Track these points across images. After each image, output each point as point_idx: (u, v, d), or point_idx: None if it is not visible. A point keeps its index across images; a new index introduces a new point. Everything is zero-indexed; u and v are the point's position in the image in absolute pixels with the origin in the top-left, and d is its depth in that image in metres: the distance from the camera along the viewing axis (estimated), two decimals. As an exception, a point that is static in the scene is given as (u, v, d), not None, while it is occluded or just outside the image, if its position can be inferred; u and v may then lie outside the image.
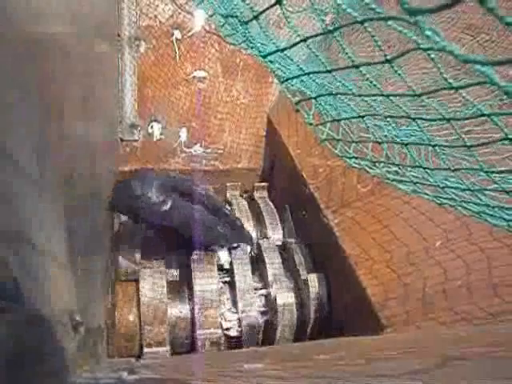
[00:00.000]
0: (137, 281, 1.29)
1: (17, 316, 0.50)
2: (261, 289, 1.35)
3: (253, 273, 1.36)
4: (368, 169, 0.60)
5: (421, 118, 0.41)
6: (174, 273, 1.39)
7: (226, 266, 1.38)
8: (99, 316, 1.00)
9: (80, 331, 0.71)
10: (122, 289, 1.30)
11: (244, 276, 1.34)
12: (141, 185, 1.28)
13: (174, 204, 1.30)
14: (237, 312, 1.30)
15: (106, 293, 1.13)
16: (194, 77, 1.68)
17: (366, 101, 0.47)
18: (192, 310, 1.28)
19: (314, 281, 1.30)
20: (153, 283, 1.28)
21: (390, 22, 0.29)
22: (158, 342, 1.22)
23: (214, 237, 1.38)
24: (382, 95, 0.40)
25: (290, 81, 0.54)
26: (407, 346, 0.75)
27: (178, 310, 1.30)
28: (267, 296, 1.34)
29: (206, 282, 1.30)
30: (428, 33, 0.26)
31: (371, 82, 0.39)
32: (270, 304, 1.32)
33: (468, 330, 0.80)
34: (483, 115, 0.33)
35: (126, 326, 1.24)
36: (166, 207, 1.29)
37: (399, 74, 0.34)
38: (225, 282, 1.37)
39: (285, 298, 1.30)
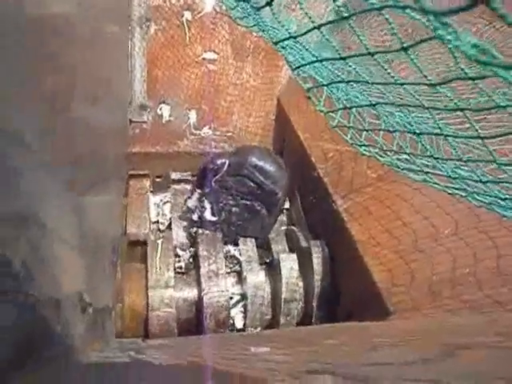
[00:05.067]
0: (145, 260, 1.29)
1: (26, 298, 0.50)
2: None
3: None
4: (378, 157, 0.60)
5: (434, 108, 0.40)
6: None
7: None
8: (107, 297, 1.01)
9: (89, 312, 0.72)
10: (130, 268, 1.31)
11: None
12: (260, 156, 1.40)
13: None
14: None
15: (115, 273, 1.14)
16: (203, 58, 1.67)
17: (379, 88, 0.46)
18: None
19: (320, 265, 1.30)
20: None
21: (407, 11, 0.28)
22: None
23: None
24: (396, 83, 0.40)
25: (302, 68, 0.54)
26: (413, 334, 0.76)
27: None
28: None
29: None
30: (440, 32, 0.25)
31: (385, 70, 0.39)
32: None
33: (475, 319, 0.80)
34: (499, 107, 0.33)
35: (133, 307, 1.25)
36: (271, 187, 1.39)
37: (415, 63, 0.34)
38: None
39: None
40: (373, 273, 1.05)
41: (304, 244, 1.37)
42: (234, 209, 1.41)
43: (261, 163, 1.38)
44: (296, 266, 1.31)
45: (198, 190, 1.43)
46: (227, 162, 1.38)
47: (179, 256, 1.37)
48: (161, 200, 1.62)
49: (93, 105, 0.91)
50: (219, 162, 1.39)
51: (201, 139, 1.77)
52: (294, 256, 1.33)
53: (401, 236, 1.08)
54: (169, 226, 1.54)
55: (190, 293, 1.29)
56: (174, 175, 1.64)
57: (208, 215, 1.42)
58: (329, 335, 0.81)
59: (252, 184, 1.38)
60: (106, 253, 1.03)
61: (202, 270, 1.28)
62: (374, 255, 1.09)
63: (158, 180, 1.72)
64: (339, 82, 0.52)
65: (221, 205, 1.41)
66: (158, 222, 1.58)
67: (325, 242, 1.34)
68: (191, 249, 1.40)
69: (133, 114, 1.65)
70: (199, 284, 1.27)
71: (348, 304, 1.23)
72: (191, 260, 1.38)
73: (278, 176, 1.39)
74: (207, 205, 1.42)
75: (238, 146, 1.63)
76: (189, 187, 1.63)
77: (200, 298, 1.26)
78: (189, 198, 1.46)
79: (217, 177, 1.39)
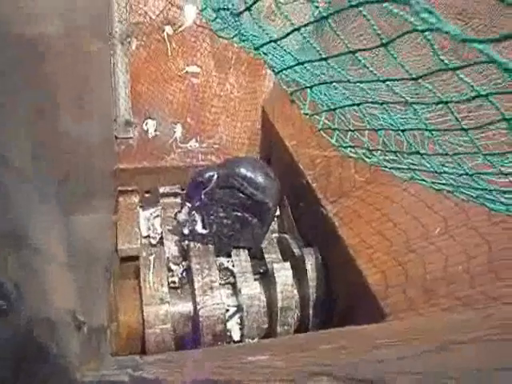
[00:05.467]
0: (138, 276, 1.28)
1: (19, 318, 0.50)
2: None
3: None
4: (365, 157, 0.60)
5: (418, 103, 0.41)
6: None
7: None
8: (102, 315, 1.00)
9: (83, 331, 0.71)
10: (123, 286, 1.30)
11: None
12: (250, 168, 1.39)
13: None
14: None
15: (108, 291, 1.13)
16: (186, 72, 1.68)
17: (362, 88, 0.47)
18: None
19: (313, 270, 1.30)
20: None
21: (385, 4, 0.28)
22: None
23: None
24: (379, 81, 0.40)
25: (284, 71, 0.54)
26: (410, 333, 0.76)
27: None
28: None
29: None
30: (424, 15, 0.26)
31: (367, 68, 0.39)
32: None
33: (470, 315, 0.81)
34: (480, 96, 0.33)
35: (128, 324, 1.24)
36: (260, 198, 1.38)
37: (395, 58, 0.34)
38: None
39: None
40: (367, 276, 1.06)
41: (297, 252, 1.37)
42: (225, 221, 1.41)
43: (250, 174, 1.37)
44: (290, 275, 1.30)
45: (188, 204, 1.43)
46: (216, 175, 1.38)
47: (172, 270, 1.37)
48: (151, 214, 1.62)
49: (78, 123, 0.91)
50: (208, 174, 1.38)
51: (188, 152, 1.77)
52: (288, 265, 1.32)
53: (392, 237, 1.08)
54: (160, 241, 1.54)
55: (186, 307, 1.28)
56: (163, 189, 1.64)
57: (199, 228, 1.41)
58: (327, 340, 0.81)
59: (242, 195, 1.38)
60: (99, 270, 1.03)
61: (196, 284, 1.27)
62: (367, 258, 1.09)
63: (146, 195, 1.71)
64: (322, 83, 0.52)
65: (211, 217, 1.41)
66: (149, 236, 1.57)
67: (317, 249, 1.34)
68: (184, 263, 1.39)
69: (118, 130, 1.65)
70: (194, 298, 1.27)
71: (344, 309, 1.23)
72: (184, 274, 1.37)
73: (267, 186, 1.38)
74: (198, 218, 1.42)
75: (226, 157, 1.63)
76: (178, 200, 1.63)
77: (196, 312, 1.25)
78: (179, 211, 1.46)
79: (206, 190, 1.38)
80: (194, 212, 1.41)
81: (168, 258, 1.39)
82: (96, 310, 0.94)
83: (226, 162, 1.45)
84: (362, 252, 1.11)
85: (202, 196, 1.38)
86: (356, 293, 1.12)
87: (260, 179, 1.38)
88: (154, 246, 1.55)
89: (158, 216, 1.61)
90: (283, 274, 1.30)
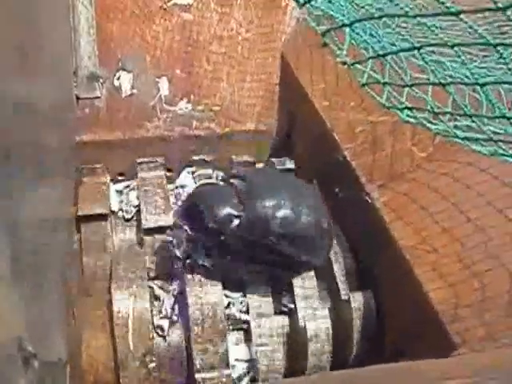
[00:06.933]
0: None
1: None
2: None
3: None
4: (428, 123, 0.60)
5: (504, 44, 0.40)
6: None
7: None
8: (59, 345, 1.01)
9: (33, 365, 0.72)
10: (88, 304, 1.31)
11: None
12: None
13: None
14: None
15: (67, 311, 1.14)
16: (174, 4, 1.67)
17: (425, 24, 0.46)
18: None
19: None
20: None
21: None
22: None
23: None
24: (450, 13, 0.39)
25: (312, 2, 0.53)
26: (488, 370, 0.76)
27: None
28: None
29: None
30: None
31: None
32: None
33: None
34: None
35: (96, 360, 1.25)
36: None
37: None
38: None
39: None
40: (429, 291, 1.05)
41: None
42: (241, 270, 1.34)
43: (291, 230, 1.22)
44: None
45: (186, 228, 1.34)
46: (235, 220, 1.23)
47: (159, 299, 1.35)
48: (126, 187, 1.64)
49: (23, 79, 0.91)
50: (224, 212, 1.25)
51: (176, 118, 1.76)
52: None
53: (465, 237, 1.08)
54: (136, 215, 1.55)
55: (175, 337, 1.30)
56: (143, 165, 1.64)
57: (200, 258, 1.33)
58: (373, 380, 0.81)
59: (277, 256, 1.25)
60: (54, 282, 1.04)
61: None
62: (430, 266, 1.09)
63: (120, 178, 1.72)
64: (367, 19, 0.52)
65: (224, 261, 1.34)
66: (121, 210, 1.58)
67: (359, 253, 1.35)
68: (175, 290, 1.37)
69: (80, 87, 1.65)
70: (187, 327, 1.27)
71: (397, 336, 1.23)
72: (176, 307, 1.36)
73: (318, 242, 1.28)
74: (199, 246, 1.35)
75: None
76: (161, 173, 1.63)
77: (189, 343, 1.26)
78: (170, 229, 1.40)
79: (221, 237, 1.25)
80: (196, 244, 1.35)
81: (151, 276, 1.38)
82: (51, 338, 0.95)
83: (249, 186, 1.28)
84: (422, 257, 1.10)
85: (213, 238, 1.26)
86: (414, 314, 1.12)
87: (309, 231, 1.24)
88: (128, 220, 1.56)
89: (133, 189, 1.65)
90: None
